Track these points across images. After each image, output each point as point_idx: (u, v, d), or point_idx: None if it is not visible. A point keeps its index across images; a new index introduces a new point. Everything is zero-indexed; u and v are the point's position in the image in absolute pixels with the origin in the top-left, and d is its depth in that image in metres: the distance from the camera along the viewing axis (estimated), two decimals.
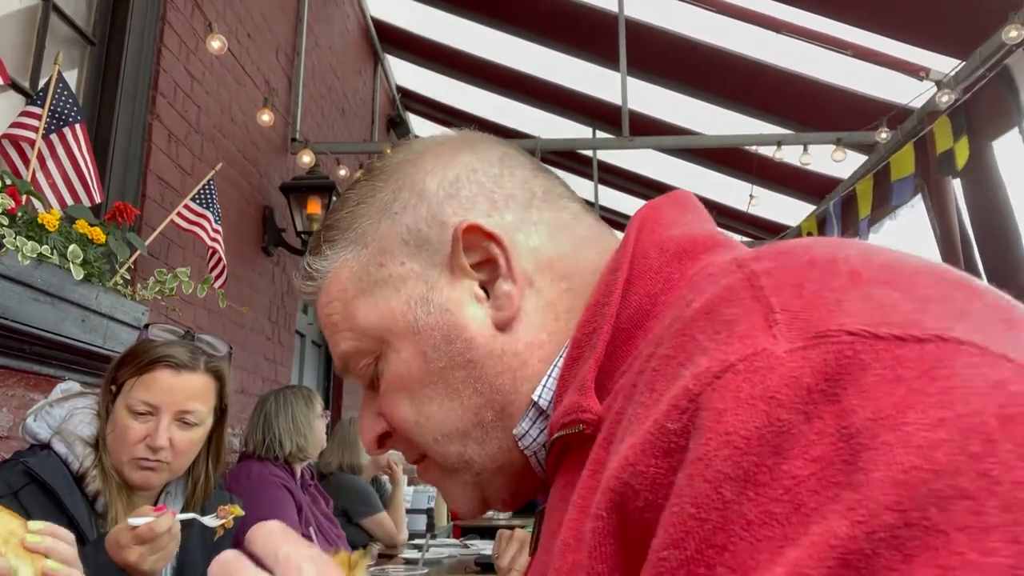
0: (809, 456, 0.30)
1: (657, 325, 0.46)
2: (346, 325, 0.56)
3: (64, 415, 1.37)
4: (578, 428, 0.46)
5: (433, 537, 4.33)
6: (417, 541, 3.65)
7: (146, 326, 1.44)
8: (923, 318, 0.32)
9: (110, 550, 1.16)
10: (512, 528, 1.48)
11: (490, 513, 6.90)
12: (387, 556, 3.25)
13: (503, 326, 0.53)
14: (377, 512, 3.38)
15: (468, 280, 0.53)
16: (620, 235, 0.56)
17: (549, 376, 0.52)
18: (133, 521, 1.14)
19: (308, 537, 2.37)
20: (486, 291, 0.54)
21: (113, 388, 1.39)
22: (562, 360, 0.52)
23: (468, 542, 4.08)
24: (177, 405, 1.35)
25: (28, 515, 1.20)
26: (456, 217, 0.54)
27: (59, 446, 1.32)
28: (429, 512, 4.80)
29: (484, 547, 3.82)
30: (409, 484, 5.85)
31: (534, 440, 0.53)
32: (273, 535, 0.42)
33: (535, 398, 0.52)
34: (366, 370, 0.57)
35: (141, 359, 1.35)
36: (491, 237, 0.53)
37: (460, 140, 0.60)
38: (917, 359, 0.31)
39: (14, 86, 2.15)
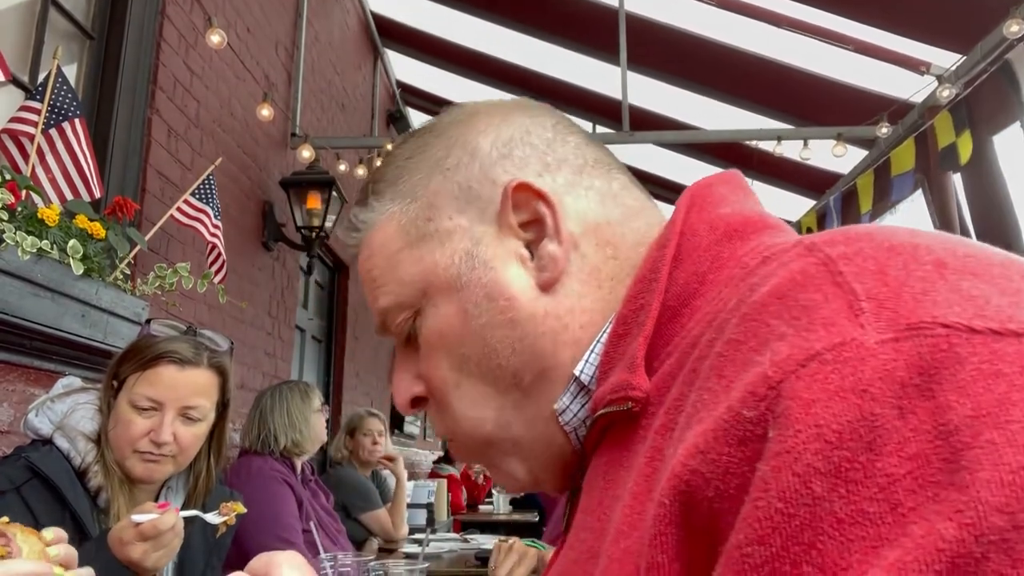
0: (904, 454, 0.29)
1: (706, 305, 0.46)
2: (387, 278, 0.56)
3: (66, 410, 1.37)
4: (627, 406, 0.45)
5: (433, 532, 4.34)
6: (417, 536, 3.66)
7: (147, 321, 1.43)
8: (1018, 312, 0.32)
9: (113, 546, 1.16)
10: (508, 540, 1.48)
11: (489, 508, 6.92)
12: (387, 551, 3.26)
13: (546, 287, 0.52)
14: (376, 508, 3.39)
15: (514, 239, 0.53)
16: (666, 209, 0.56)
17: (592, 351, 0.51)
18: (136, 518, 1.14)
19: (308, 531, 2.37)
20: (531, 252, 0.53)
21: (115, 384, 1.39)
22: (606, 336, 0.51)
23: (468, 536, 4.09)
24: (181, 401, 1.35)
25: (30, 510, 1.21)
26: (507, 175, 0.54)
27: (61, 441, 1.33)
28: (429, 507, 4.81)
29: (484, 541, 3.83)
30: (409, 479, 5.87)
31: (574, 415, 0.53)
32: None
33: (577, 373, 0.51)
34: (404, 326, 0.56)
35: (144, 355, 1.35)
36: (540, 196, 0.53)
37: (514, 104, 0.60)
38: (1017, 354, 0.30)
39: (13, 80, 2.14)
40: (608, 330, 0.51)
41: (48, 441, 1.33)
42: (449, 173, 0.55)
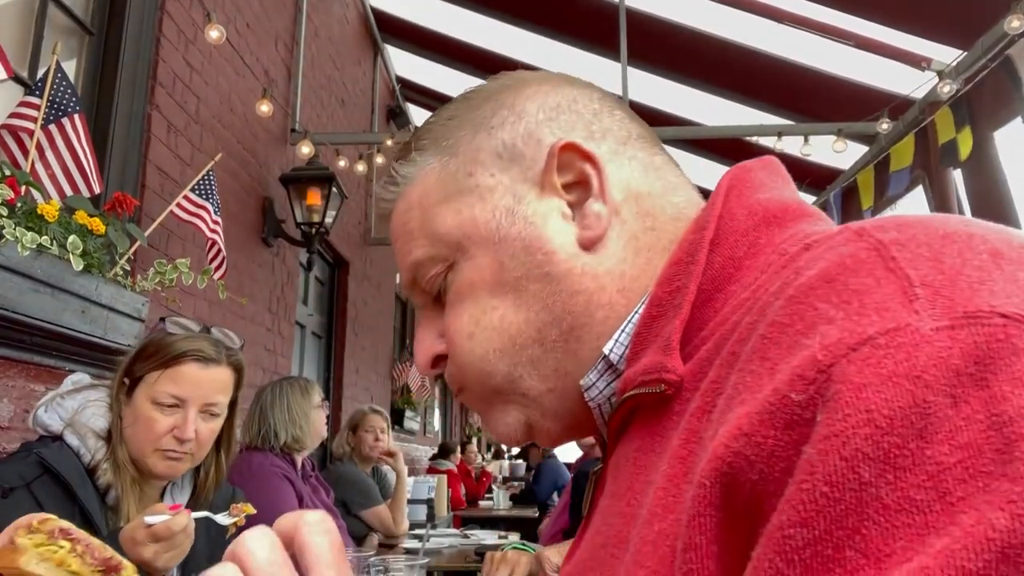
0: (956, 442, 0.29)
1: (742, 290, 0.46)
2: (423, 232, 0.56)
3: (76, 407, 1.37)
4: (659, 388, 0.45)
5: (433, 527, 4.35)
6: (417, 531, 3.67)
7: (161, 319, 1.44)
8: None
9: (125, 546, 1.17)
10: (502, 547, 1.48)
11: (489, 504, 6.93)
12: (387, 546, 3.26)
13: (588, 245, 0.52)
14: (375, 504, 3.39)
15: (557, 198, 0.53)
16: (694, 187, 0.57)
17: (622, 331, 0.51)
18: (149, 519, 1.15)
19: None
20: (573, 212, 0.54)
21: (127, 381, 1.39)
22: (638, 316, 0.51)
23: (468, 532, 4.10)
24: (204, 398, 1.38)
25: (40, 506, 1.21)
26: (553, 137, 0.54)
27: (71, 438, 1.33)
28: (429, 502, 4.82)
29: (484, 537, 3.84)
30: (409, 475, 5.88)
31: (600, 392, 0.53)
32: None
33: (606, 351, 0.51)
34: (435, 281, 0.56)
35: (166, 353, 1.36)
36: (588, 157, 0.53)
37: (562, 76, 0.60)
38: None
39: (13, 76, 2.14)
40: (640, 310, 0.51)
41: (58, 437, 1.33)
42: (494, 131, 0.55)
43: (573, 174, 0.53)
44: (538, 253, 0.52)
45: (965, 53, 3.57)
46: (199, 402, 1.37)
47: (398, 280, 7.67)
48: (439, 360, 0.58)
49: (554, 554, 1.29)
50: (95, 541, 0.80)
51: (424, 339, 0.59)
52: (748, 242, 0.48)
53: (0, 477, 1.22)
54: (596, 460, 2.54)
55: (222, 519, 1.33)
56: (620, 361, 0.51)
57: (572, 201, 0.53)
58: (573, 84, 0.59)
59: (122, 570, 0.79)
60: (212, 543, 1.43)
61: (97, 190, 2.07)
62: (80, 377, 1.47)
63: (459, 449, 8.53)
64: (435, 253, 0.55)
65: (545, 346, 0.53)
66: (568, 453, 8.70)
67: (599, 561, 0.46)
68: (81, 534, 0.79)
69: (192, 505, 1.49)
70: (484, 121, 0.56)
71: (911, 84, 3.92)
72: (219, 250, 2.62)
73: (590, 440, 1.40)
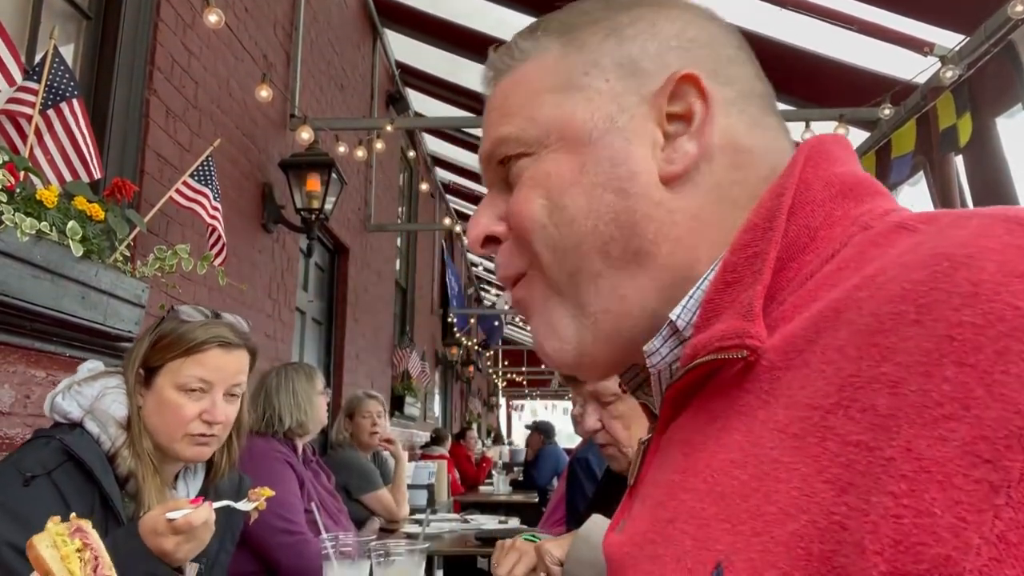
0: None
1: (818, 262, 0.45)
2: (521, 110, 0.56)
3: (95, 394, 1.37)
4: (741, 354, 0.44)
5: (434, 512, 4.38)
6: (418, 516, 3.69)
7: (172, 307, 1.47)
8: None
9: (145, 536, 1.18)
10: (515, 535, 1.48)
11: (489, 489, 6.96)
12: (388, 531, 3.28)
13: (667, 180, 0.52)
14: (376, 488, 3.41)
15: (657, 125, 0.53)
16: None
17: (690, 297, 0.50)
18: (170, 515, 1.17)
19: (310, 512, 2.39)
20: (666, 144, 0.53)
21: (143, 372, 1.40)
22: (707, 283, 0.50)
23: (468, 517, 4.13)
24: (228, 381, 1.42)
25: (60, 494, 1.22)
26: (679, 64, 0.53)
27: (91, 426, 1.33)
28: (430, 488, 4.84)
29: (484, 522, 3.86)
30: (410, 460, 5.90)
31: (662, 359, 0.52)
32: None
33: (672, 317, 0.51)
34: (511, 161, 0.56)
35: (189, 340, 1.39)
36: (702, 94, 0.52)
37: (709, 11, 0.59)
38: None
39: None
40: (711, 276, 0.50)
41: (77, 424, 1.34)
42: (625, 41, 0.55)
43: (682, 106, 0.53)
44: (622, 167, 0.52)
45: (968, 38, 3.55)
46: (225, 384, 1.42)
47: (397, 266, 7.67)
48: (490, 241, 0.58)
49: (555, 547, 1.30)
50: (106, 559, 0.82)
51: (482, 217, 0.58)
52: (824, 213, 0.48)
53: (21, 465, 1.23)
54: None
55: (243, 505, 1.36)
56: (687, 328, 0.50)
57: (670, 132, 0.53)
58: (717, 23, 0.58)
59: None
60: (222, 529, 1.45)
61: (97, 175, 2.07)
62: (95, 364, 1.47)
63: (453, 436, 8.56)
64: (523, 135, 0.55)
65: (608, 260, 0.52)
66: (569, 441, 8.73)
67: (666, 536, 0.45)
68: (97, 545, 0.81)
69: (204, 489, 1.50)
70: (619, 28, 0.55)
71: (913, 69, 3.90)
72: (219, 236, 2.62)
73: (594, 425, 1.40)
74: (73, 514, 0.82)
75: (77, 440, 1.29)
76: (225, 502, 1.30)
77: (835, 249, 0.45)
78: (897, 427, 0.34)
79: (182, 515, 1.17)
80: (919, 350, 0.35)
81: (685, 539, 0.42)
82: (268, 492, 1.37)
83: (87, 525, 0.83)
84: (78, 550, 0.80)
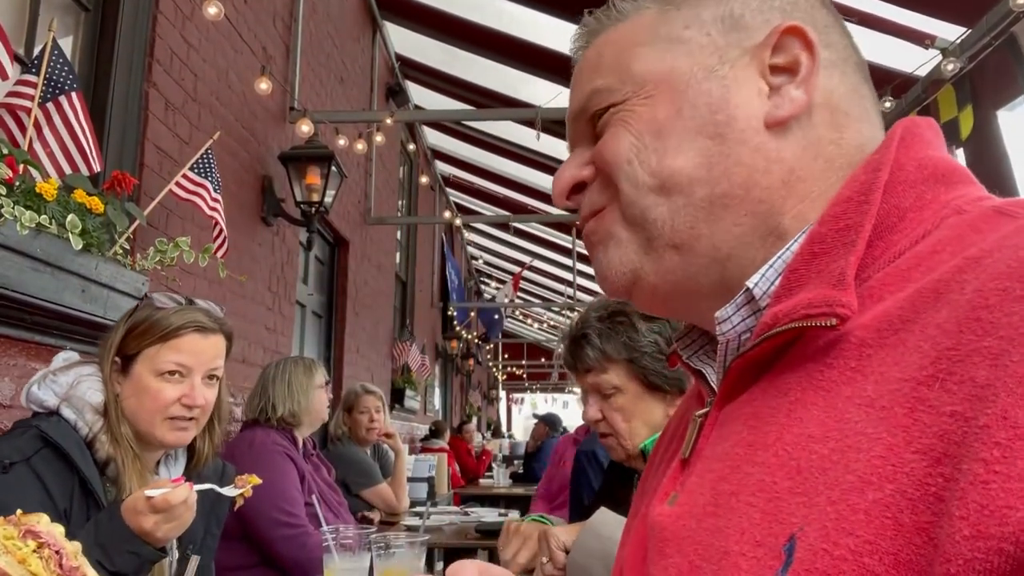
0: None
1: (907, 242, 0.45)
2: (614, 66, 0.56)
3: (71, 382, 1.38)
4: (829, 322, 0.43)
5: (434, 505, 4.39)
6: (418, 509, 3.70)
7: (146, 295, 1.49)
8: None
9: (127, 516, 1.20)
10: (517, 520, 1.49)
11: (489, 481, 6.97)
12: (388, 523, 3.29)
13: (772, 124, 0.52)
14: (376, 483, 3.42)
15: (759, 75, 0.53)
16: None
17: (770, 267, 0.50)
18: (149, 492, 1.18)
19: (310, 504, 2.39)
20: (769, 94, 0.53)
21: (118, 360, 1.41)
22: (790, 253, 0.50)
23: (468, 509, 4.14)
24: (206, 364, 1.44)
25: (40, 480, 1.22)
26: (780, 19, 0.54)
27: (68, 412, 1.34)
28: (430, 480, 4.85)
29: (484, 514, 3.87)
30: (410, 453, 5.91)
31: (732, 327, 0.52)
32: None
33: (749, 284, 0.50)
34: (599, 116, 0.57)
35: (165, 326, 1.41)
36: (808, 46, 0.52)
37: None
38: None
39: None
40: (795, 248, 0.49)
41: (54, 412, 1.35)
42: None
43: (786, 58, 0.53)
44: (720, 113, 0.52)
45: (969, 31, 3.54)
46: (203, 368, 1.43)
47: (397, 259, 7.66)
48: (578, 188, 0.59)
49: (561, 532, 1.30)
50: (68, 548, 0.80)
51: (567, 168, 0.59)
52: (915, 194, 0.47)
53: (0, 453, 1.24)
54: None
55: (229, 491, 1.37)
56: (764, 297, 0.50)
57: (774, 84, 0.53)
58: None
59: None
60: (205, 510, 1.46)
61: (97, 168, 2.06)
62: (70, 355, 1.48)
63: (453, 429, 8.57)
64: (616, 87, 0.56)
65: (691, 200, 0.52)
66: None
67: (729, 509, 0.44)
68: (55, 540, 0.79)
69: (187, 475, 1.51)
70: None
71: (914, 62, 3.89)
72: (221, 229, 2.62)
73: (595, 415, 1.40)
74: (19, 511, 0.79)
75: (54, 427, 1.30)
76: (209, 485, 1.32)
77: (925, 231, 0.45)
78: (995, 396, 0.34)
79: (160, 493, 1.18)
80: (1023, 321, 0.35)
81: (753, 512, 0.42)
82: (255, 480, 1.38)
83: (38, 521, 0.80)
84: (34, 550, 0.78)
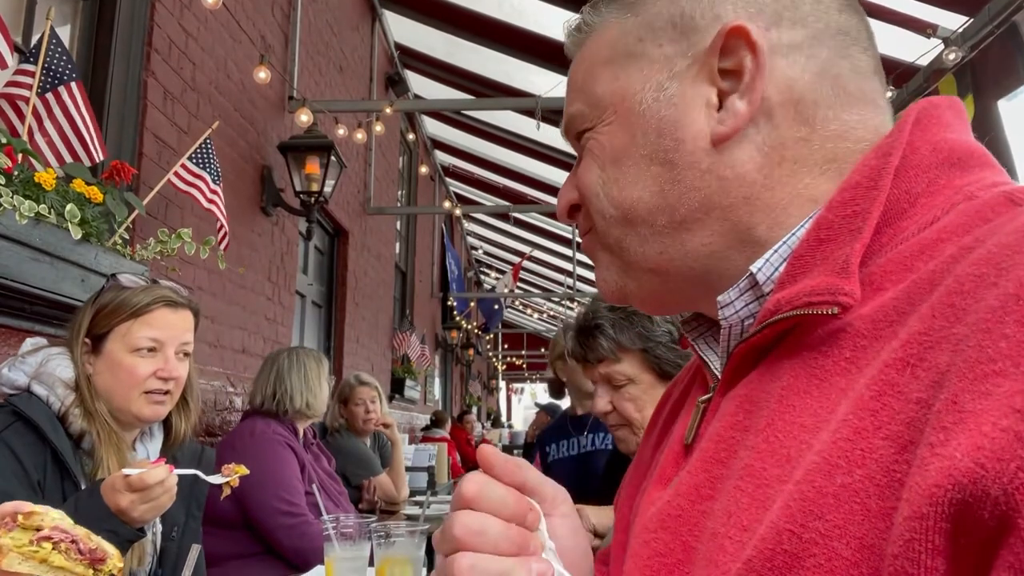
0: None
1: (915, 228, 0.44)
2: (582, 87, 0.57)
3: (40, 361, 1.40)
4: (831, 311, 0.42)
5: (434, 494, 4.40)
6: (419, 498, 3.71)
7: (112, 275, 1.50)
8: None
9: (105, 493, 1.21)
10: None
11: None
12: (388, 512, 3.30)
13: (717, 142, 0.50)
14: (375, 474, 3.43)
15: (708, 85, 0.51)
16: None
17: (774, 251, 0.49)
18: (127, 471, 1.20)
19: (311, 494, 2.39)
20: (720, 104, 0.51)
21: (88, 341, 1.43)
22: (795, 238, 0.48)
23: None
24: (178, 338, 1.46)
25: (14, 454, 1.24)
26: (733, 15, 0.51)
27: (39, 388, 1.36)
28: (430, 470, 4.87)
29: None
30: (409, 443, 5.93)
31: (735, 312, 0.51)
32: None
33: (753, 270, 0.49)
34: (579, 137, 0.58)
35: (135, 303, 1.42)
36: (751, 48, 0.49)
37: None
38: None
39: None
40: (800, 233, 0.48)
41: (26, 390, 1.37)
42: None
43: (733, 62, 0.50)
44: (668, 138, 0.52)
45: (971, 20, 3.52)
46: (175, 342, 1.45)
47: (397, 249, 7.66)
48: (575, 210, 0.60)
49: (593, 514, 1.30)
50: (80, 531, 0.81)
51: (564, 191, 0.61)
52: (928, 179, 0.46)
53: None
54: (556, 431, 2.52)
55: (214, 479, 1.39)
56: (767, 282, 0.49)
57: (724, 90, 0.50)
58: None
59: (107, 559, 0.81)
60: (187, 498, 1.48)
61: (100, 158, 2.06)
62: (37, 340, 1.51)
63: (453, 419, 8.58)
64: (586, 112, 0.57)
65: (654, 228, 0.53)
66: None
67: (719, 491, 0.45)
68: (65, 529, 0.80)
69: (164, 453, 1.53)
70: None
71: (916, 51, 3.87)
72: (222, 223, 2.61)
73: (605, 407, 1.40)
74: (20, 516, 0.79)
75: (24, 401, 1.32)
76: (193, 471, 1.34)
77: (935, 217, 0.44)
78: (948, 381, 0.34)
79: (138, 472, 1.19)
80: (987, 308, 0.34)
81: (741, 496, 0.42)
82: (242, 470, 1.40)
83: (42, 519, 0.80)
84: (54, 546, 0.78)
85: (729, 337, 0.52)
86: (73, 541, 0.80)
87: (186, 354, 1.48)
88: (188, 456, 1.56)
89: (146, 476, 1.20)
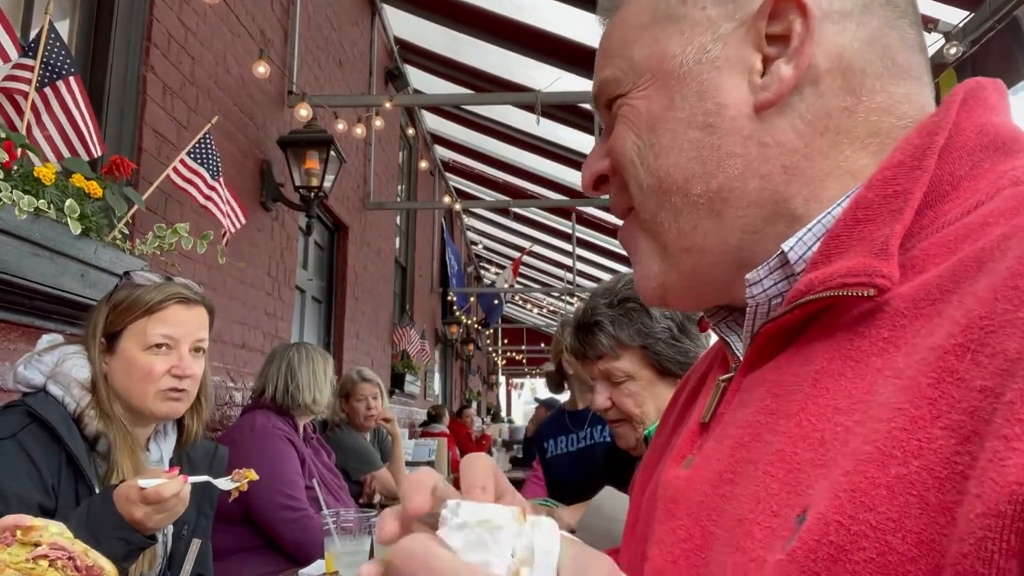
0: None
1: (958, 211, 0.43)
2: (619, 51, 0.55)
3: (56, 360, 1.40)
4: (867, 292, 0.41)
5: None
6: None
7: (126, 273, 1.50)
8: None
9: (118, 503, 1.20)
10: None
11: None
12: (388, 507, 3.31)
13: (760, 109, 0.49)
14: (375, 469, 3.43)
15: (754, 50, 0.49)
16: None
17: (808, 230, 0.47)
18: (143, 483, 1.19)
19: (311, 488, 2.40)
20: (765, 70, 0.49)
21: (104, 340, 1.42)
22: (831, 217, 0.47)
23: None
24: (193, 335, 1.46)
25: (28, 455, 1.24)
26: None
27: (54, 388, 1.36)
28: (430, 464, 4.87)
29: None
30: (410, 438, 5.94)
31: (764, 291, 0.49)
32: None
33: (785, 248, 0.48)
34: (612, 105, 0.56)
35: (148, 300, 1.42)
36: (802, 11, 0.48)
37: None
38: None
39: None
40: (836, 212, 0.47)
41: (41, 389, 1.36)
42: None
43: (782, 26, 0.49)
44: (709, 101, 0.50)
45: (972, 14, 3.51)
46: (190, 339, 1.45)
47: (397, 244, 7.65)
48: (601, 181, 0.58)
49: (566, 514, 1.30)
50: (78, 547, 0.80)
51: (591, 161, 0.58)
52: (972, 162, 0.45)
53: None
54: (553, 426, 2.54)
55: (224, 484, 1.37)
56: (799, 261, 0.47)
57: (770, 56, 0.49)
58: None
59: (103, 575, 0.81)
60: (199, 496, 1.48)
61: (98, 153, 2.05)
62: (54, 336, 1.50)
63: (450, 414, 8.58)
64: (620, 77, 0.54)
65: (688, 198, 0.51)
66: None
67: (746, 476, 0.43)
68: (62, 545, 0.79)
69: (177, 452, 1.53)
70: None
71: None
72: (222, 217, 2.61)
73: (605, 404, 1.40)
74: (19, 531, 0.79)
75: (41, 402, 1.32)
76: (204, 478, 1.33)
77: (979, 201, 0.43)
78: (1022, 371, 0.32)
79: (153, 484, 1.19)
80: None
81: (770, 481, 0.41)
82: (252, 475, 1.38)
83: (37, 532, 0.79)
84: (51, 564, 0.78)
85: (755, 316, 0.51)
86: (70, 558, 0.79)
87: (201, 351, 1.48)
88: (201, 454, 1.55)
89: (162, 489, 1.19)
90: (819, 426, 0.40)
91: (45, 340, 1.47)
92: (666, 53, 0.52)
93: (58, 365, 1.38)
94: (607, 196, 0.59)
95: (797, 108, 0.49)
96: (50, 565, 0.78)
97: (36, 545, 0.79)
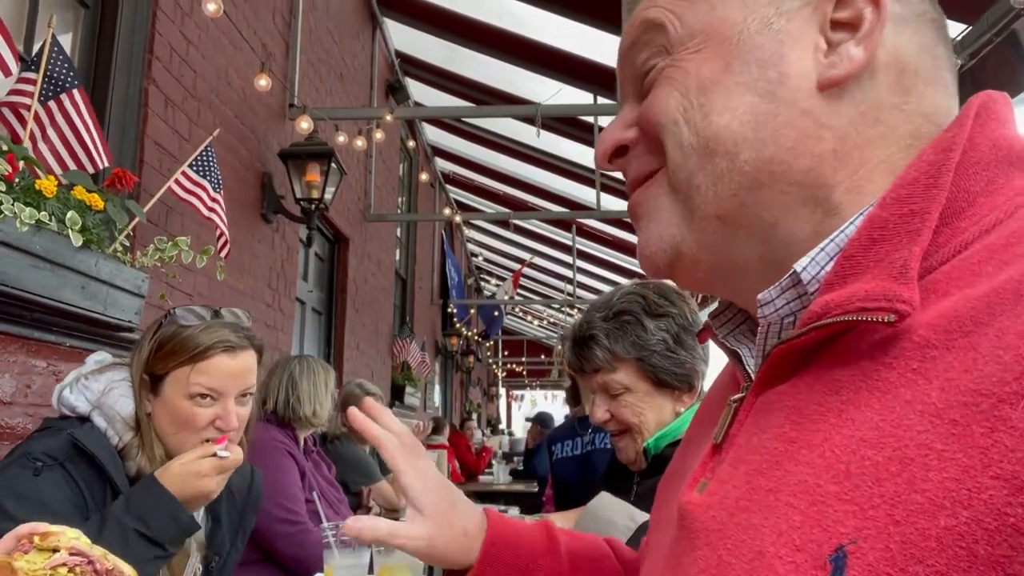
0: None
1: (975, 229, 0.42)
2: (673, 5, 0.53)
3: (102, 388, 1.36)
4: (888, 318, 0.40)
5: None
6: None
7: (171, 311, 1.42)
8: None
9: (186, 482, 1.23)
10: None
11: (489, 478, 6.97)
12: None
13: (825, 86, 0.48)
14: (375, 481, 3.42)
15: (818, 31, 0.49)
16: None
17: (820, 250, 0.46)
18: (222, 452, 1.22)
19: (311, 501, 2.39)
20: (826, 52, 0.49)
21: (147, 378, 1.37)
22: (844, 236, 0.46)
23: None
24: (239, 386, 1.38)
25: (77, 484, 1.22)
26: None
27: (99, 420, 1.32)
28: None
29: None
30: None
31: (776, 311, 0.48)
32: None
33: (797, 268, 0.47)
34: (648, 60, 0.54)
35: (192, 347, 1.34)
36: (874, 1, 0.48)
37: None
38: None
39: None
40: (849, 231, 0.46)
41: (85, 418, 1.33)
42: None
43: (850, 12, 0.49)
44: (772, 70, 0.49)
45: (970, 27, 3.53)
46: (235, 391, 1.37)
47: (397, 256, 7.66)
48: (620, 151, 0.56)
49: (559, 518, 1.30)
50: (97, 552, 0.80)
51: (612, 128, 0.56)
52: (987, 178, 0.44)
53: (32, 455, 1.22)
54: (563, 431, 2.54)
55: (220, 451, 1.40)
56: (812, 282, 0.46)
57: (833, 41, 0.49)
58: None
59: None
60: (234, 528, 1.49)
61: (104, 164, 2.06)
62: (103, 356, 1.45)
63: (451, 425, 8.56)
64: (670, 32, 0.52)
65: (734, 164, 0.49)
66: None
67: (766, 506, 0.42)
68: (81, 550, 0.78)
69: None
70: None
71: None
72: (222, 231, 2.61)
73: (603, 416, 1.40)
74: (36, 537, 0.77)
75: (87, 434, 1.28)
76: (226, 453, 1.33)
77: (997, 219, 0.42)
78: None
79: (228, 455, 1.25)
80: None
81: (793, 513, 0.39)
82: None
83: (55, 537, 0.78)
84: (70, 571, 0.78)
85: (767, 335, 0.50)
86: (89, 562, 0.79)
87: (248, 395, 1.41)
88: (239, 479, 1.51)
89: (237, 456, 1.26)
90: (844, 458, 0.39)
91: (93, 360, 1.42)
92: (725, 19, 0.51)
93: (104, 395, 1.34)
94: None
95: (854, 95, 0.48)
96: (69, 572, 0.77)
97: (54, 551, 0.78)
